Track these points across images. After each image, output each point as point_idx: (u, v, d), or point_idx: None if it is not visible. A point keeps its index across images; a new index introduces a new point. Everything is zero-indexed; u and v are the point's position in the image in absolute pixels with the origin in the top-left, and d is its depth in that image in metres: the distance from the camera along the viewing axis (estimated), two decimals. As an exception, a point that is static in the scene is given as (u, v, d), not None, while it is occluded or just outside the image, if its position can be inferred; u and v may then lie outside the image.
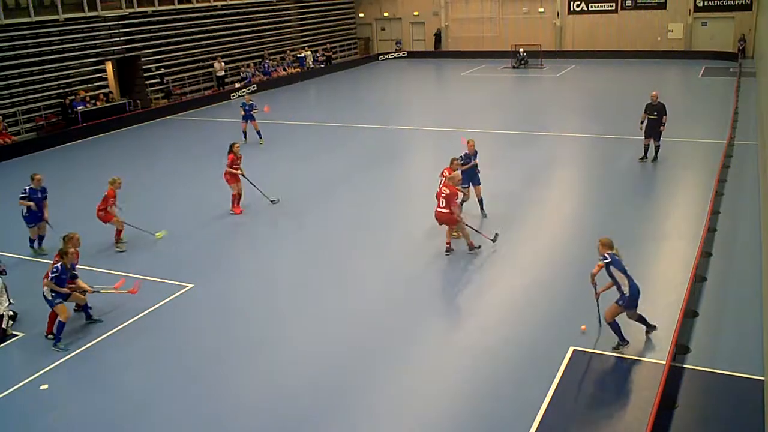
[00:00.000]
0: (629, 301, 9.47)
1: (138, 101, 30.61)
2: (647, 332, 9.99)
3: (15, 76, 26.32)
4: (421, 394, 9.07)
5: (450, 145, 22.23)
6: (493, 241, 13.47)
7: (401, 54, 46.80)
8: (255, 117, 23.87)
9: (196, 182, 19.44)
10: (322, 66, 41.35)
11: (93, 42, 29.19)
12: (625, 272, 9.45)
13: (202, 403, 9.14)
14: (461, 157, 14.53)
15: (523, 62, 39.59)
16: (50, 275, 10.71)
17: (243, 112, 23.85)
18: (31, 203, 14.06)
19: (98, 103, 28.55)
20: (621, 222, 14.50)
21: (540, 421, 8.25)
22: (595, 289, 9.82)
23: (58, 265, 10.78)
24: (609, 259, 9.41)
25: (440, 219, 13.01)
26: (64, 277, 10.80)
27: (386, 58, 46.12)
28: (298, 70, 39.40)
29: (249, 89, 34.22)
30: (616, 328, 9.67)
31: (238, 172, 16.08)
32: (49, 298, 10.71)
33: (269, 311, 11.62)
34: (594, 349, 9.79)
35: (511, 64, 39.93)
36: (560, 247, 13.84)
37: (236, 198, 16.32)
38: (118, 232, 14.52)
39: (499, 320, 10.88)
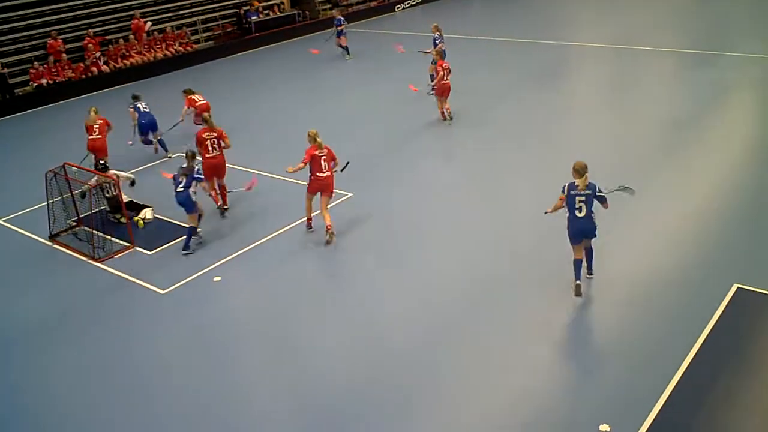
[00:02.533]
0: (569, 233, 9.30)
1: (307, 12, 31.35)
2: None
3: (196, -13, 27.91)
4: (569, 323, 9.04)
5: (623, 63, 21.04)
6: (341, 170, 11.74)
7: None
8: (344, 32, 24.27)
9: (358, 94, 19.87)
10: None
11: (267, -48, 30.03)
12: (570, 205, 9.13)
13: (363, 294, 9.73)
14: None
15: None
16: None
17: (335, 28, 24.46)
18: None
19: (271, 13, 29.62)
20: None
21: (692, 359, 7.94)
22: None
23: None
24: (564, 190, 9.22)
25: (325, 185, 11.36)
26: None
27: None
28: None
29: (411, 2, 33.99)
30: (575, 265, 9.35)
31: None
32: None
33: (420, 219, 11.93)
34: (762, 288, 9.20)
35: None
36: (730, 173, 12.93)
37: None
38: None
39: (656, 250, 10.46)
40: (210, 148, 12.40)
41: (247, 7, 28.99)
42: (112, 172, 12.80)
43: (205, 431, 7.62)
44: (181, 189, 11.26)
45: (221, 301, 10.17)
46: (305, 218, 11.87)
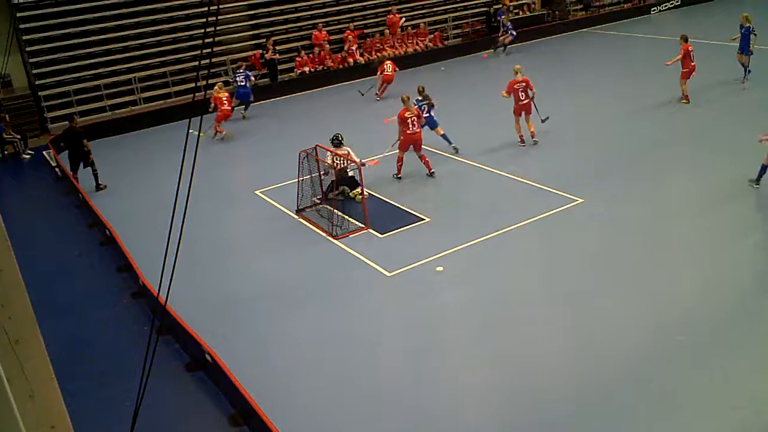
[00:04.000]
0: None
1: (557, 12, 30.86)
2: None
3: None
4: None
5: None
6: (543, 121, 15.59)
7: None
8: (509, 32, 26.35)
9: (605, 94, 19.24)
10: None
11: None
12: None
13: (586, 306, 9.56)
14: None
15: None
16: None
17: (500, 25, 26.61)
18: None
19: (521, 12, 29.63)
20: None
21: None
22: None
23: None
24: None
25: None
26: None
27: None
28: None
29: (669, 4, 32.04)
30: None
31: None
32: None
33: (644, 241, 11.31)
34: None
35: None
36: None
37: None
38: None
39: None
40: (411, 126, 14.34)
41: (498, 6, 29.23)
42: (347, 150, 13.98)
43: (394, 408, 8.04)
44: (427, 115, 15.39)
45: (440, 291, 10.50)
46: (525, 220, 12.01)
